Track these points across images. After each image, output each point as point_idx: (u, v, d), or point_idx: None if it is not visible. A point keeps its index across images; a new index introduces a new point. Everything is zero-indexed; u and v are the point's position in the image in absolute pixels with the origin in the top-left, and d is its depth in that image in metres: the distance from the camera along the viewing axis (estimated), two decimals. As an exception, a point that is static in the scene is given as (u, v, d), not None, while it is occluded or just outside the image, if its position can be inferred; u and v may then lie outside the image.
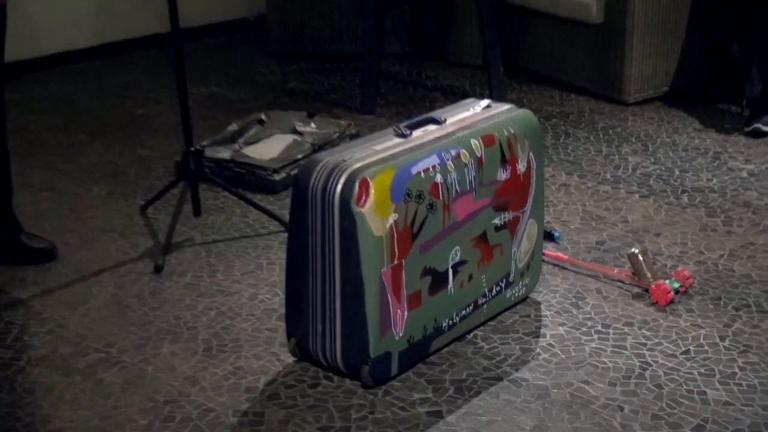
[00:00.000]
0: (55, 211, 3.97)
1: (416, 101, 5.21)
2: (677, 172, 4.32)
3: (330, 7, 5.80)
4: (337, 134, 4.49)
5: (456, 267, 2.92)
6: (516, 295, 3.22)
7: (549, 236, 3.65)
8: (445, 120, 3.01)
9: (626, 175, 4.29)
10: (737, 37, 5.13)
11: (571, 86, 5.34)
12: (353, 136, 4.50)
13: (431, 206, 2.79)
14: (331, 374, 2.90)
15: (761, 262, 3.55)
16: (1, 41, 3.38)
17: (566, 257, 3.56)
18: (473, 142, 2.93)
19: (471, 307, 3.03)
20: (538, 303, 3.30)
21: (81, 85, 5.46)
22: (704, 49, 5.26)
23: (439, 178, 2.80)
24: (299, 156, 4.23)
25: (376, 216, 2.66)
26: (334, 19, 5.81)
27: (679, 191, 4.13)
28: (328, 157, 2.77)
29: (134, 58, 5.88)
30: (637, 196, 4.10)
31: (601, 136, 4.74)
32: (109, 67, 5.74)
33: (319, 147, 4.31)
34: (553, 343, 3.08)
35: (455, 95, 5.21)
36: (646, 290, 3.31)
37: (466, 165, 2.89)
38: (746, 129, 4.72)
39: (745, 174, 4.30)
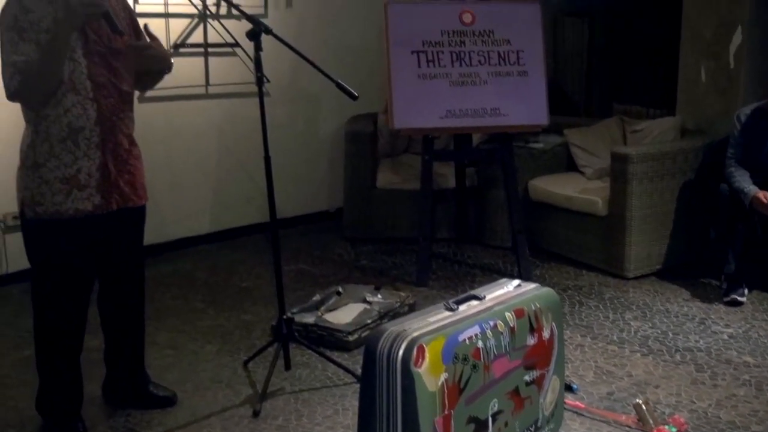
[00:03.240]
0: (176, 365, 3.96)
1: (461, 276, 5.19)
2: (671, 335, 4.23)
3: (392, 202, 5.87)
4: (399, 303, 4.46)
5: (494, 416, 2.85)
6: (543, 437, 3.13)
7: (569, 388, 3.56)
8: (485, 297, 2.99)
9: (629, 337, 4.21)
10: (714, 225, 5.11)
11: (582, 264, 5.31)
12: (411, 305, 4.47)
13: (474, 367, 2.75)
14: (393, 503, 2.81)
15: (742, 410, 3.44)
16: (142, 232, 3.45)
17: (583, 406, 3.46)
18: (507, 314, 2.90)
19: (507, 448, 2.94)
20: (561, 444, 3.21)
21: (199, 263, 5.52)
22: (689, 235, 5.24)
23: (480, 344, 2.77)
24: (369, 321, 4.20)
25: (431, 375, 2.62)
26: (395, 212, 5.87)
27: (673, 350, 4.04)
28: (392, 327, 2.75)
29: (241, 241, 5.95)
30: (638, 354, 4.01)
31: (608, 304, 4.67)
32: (221, 249, 5.82)
33: (384, 314, 4.29)
34: (575, 478, 2.98)
35: (491, 271, 5.19)
36: (650, 434, 3.21)
37: (501, 333, 2.85)
38: (725, 299, 4.65)
39: (726, 336, 4.20)
